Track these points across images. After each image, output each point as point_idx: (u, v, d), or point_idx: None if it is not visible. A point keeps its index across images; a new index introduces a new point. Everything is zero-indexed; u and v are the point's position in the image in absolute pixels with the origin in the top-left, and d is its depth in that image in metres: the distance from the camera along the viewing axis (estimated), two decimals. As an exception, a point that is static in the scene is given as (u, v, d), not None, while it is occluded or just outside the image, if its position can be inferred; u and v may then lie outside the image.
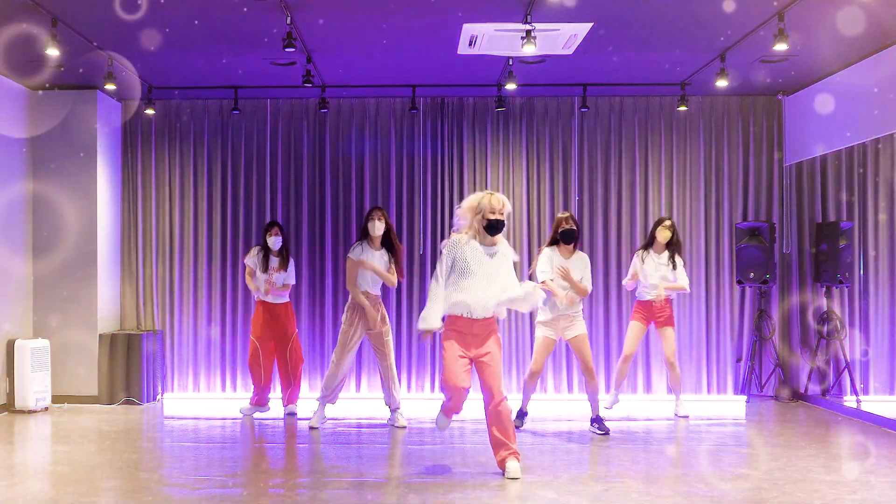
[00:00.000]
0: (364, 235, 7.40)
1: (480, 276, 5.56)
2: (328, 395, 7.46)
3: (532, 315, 8.34)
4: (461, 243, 5.60)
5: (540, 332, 7.20)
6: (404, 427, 7.40)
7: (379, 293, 7.53)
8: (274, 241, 8.07)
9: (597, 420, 7.26)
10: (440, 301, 5.60)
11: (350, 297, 7.40)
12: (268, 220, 9.08)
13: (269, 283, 8.03)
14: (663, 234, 7.87)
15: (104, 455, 6.35)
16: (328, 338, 9.13)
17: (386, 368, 7.43)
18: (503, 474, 5.60)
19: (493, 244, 5.65)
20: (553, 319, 7.12)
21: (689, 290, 8.07)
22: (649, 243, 7.99)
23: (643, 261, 7.92)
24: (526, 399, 7.47)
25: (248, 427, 7.67)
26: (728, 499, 5.08)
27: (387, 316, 7.52)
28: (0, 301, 8.11)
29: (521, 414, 7.44)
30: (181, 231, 9.25)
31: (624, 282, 8.25)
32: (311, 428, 7.42)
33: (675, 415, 8.03)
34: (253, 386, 8.22)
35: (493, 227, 5.57)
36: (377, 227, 7.32)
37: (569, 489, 5.30)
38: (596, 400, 7.27)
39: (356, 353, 7.64)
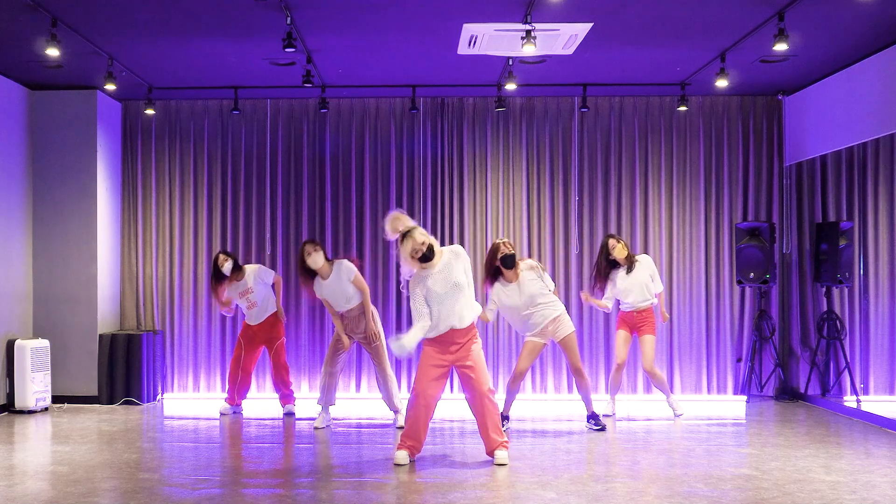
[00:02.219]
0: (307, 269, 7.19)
1: (445, 294, 5.86)
2: (326, 398, 7.48)
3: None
4: (419, 278, 5.92)
5: (532, 338, 7.18)
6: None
7: (353, 308, 7.26)
8: (227, 268, 7.93)
9: (592, 416, 7.30)
10: (422, 331, 5.89)
11: None
12: (268, 220, 9.15)
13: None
14: (619, 252, 7.77)
15: (104, 455, 6.35)
16: (328, 338, 9.12)
17: (382, 372, 7.43)
18: (493, 461, 5.99)
19: (434, 265, 5.93)
20: (542, 330, 7.10)
21: (660, 289, 8.00)
22: (613, 264, 7.84)
23: (614, 281, 7.82)
24: (509, 402, 7.33)
25: (248, 427, 7.67)
26: (728, 499, 5.08)
27: (379, 320, 7.51)
28: (0, 301, 8.11)
29: (504, 417, 7.19)
30: (181, 231, 9.24)
31: (604, 301, 7.94)
32: (316, 428, 7.45)
33: (675, 415, 8.02)
34: (229, 385, 8.22)
35: (424, 259, 5.87)
36: (317, 261, 7.13)
37: (569, 489, 5.30)
38: (589, 397, 7.31)
39: (348, 354, 7.62)
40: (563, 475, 5.70)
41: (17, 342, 8.16)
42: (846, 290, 8.49)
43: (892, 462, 6.09)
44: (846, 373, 8.31)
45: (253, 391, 9.04)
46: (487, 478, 5.62)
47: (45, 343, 8.36)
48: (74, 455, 6.33)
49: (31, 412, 8.15)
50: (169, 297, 9.22)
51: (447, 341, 5.93)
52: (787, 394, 8.87)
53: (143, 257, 9.23)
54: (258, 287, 8.01)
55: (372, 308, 7.40)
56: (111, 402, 8.63)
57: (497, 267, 6.97)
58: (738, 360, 9.06)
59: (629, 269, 7.79)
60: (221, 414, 8.17)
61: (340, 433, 7.30)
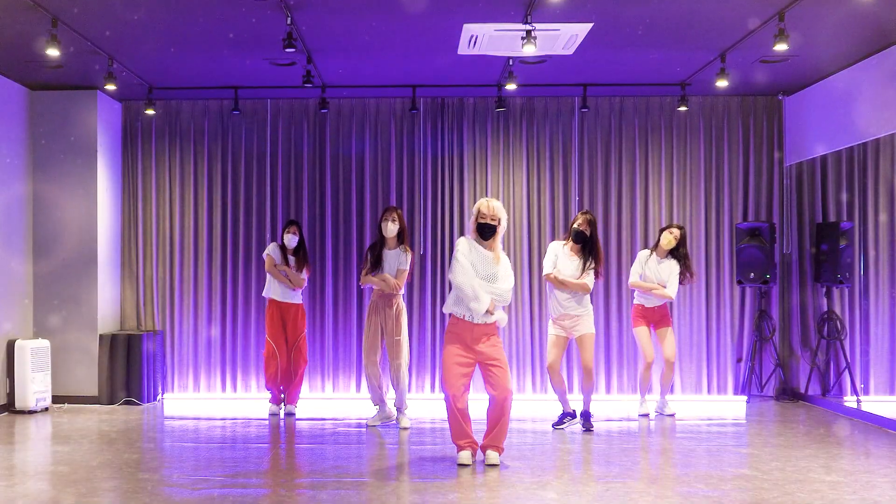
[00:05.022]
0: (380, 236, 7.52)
1: (481, 277, 5.93)
2: (374, 397, 7.56)
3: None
4: (465, 245, 5.99)
5: (550, 330, 7.38)
6: (407, 428, 7.40)
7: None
8: (290, 239, 8.13)
9: (584, 415, 7.28)
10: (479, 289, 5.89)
11: (370, 299, 7.59)
12: (268, 219, 9.15)
13: (287, 271, 8.10)
14: (666, 240, 7.89)
15: (104, 455, 6.35)
16: (328, 337, 9.13)
17: (395, 368, 7.43)
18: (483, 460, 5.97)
19: (491, 249, 6.02)
20: (559, 317, 7.28)
21: (672, 298, 7.97)
22: (654, 245, 8.06)
23: (645, 263, 7.94)
24: (562, 401, 7.40)
25: (248, 427, 7.67)
26: (728, 499, 5.09)
27: (404, 318, 7.51)
28: (0, 301, 8.11)
29: (567, 414, 7.39)
30: (181, 231, 9.24)
31: (631, 282, 8.08)
32: (368, 426, 7.51)
33: (659, 413, 8.02)
34: (271, 385, 8.16)
35: (482, 230, 5.95)
36: (390, 229, 7.40)
37: (569, 489, 5.30)
38: (590, 398, 7.35)
39: (381, 351, 7.53)
40: (563, 475, 5.70)
41: (17, 342, 8.16)
42: (846, 290, 8.48)
43: (892, 462, 6.09)
44: (846, 373, 8.31)
45: (253, 391, 9.07)
46: (488, 478, 5.62)
47: (45, 343, 8.36)
48: (74, 455, 6.33)
49: (31, 412, 8.15)
50: (169, 297, 9.22)
51: (464, 334, 5.91)
52: (788, 394, 8.86)
53: (143, 257, 9.23)
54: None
55: (402, 304, 7.51)
56: (111, 402, 8.63)
57: (575, 231, 7.31)
58: (739, 360, 9.05)
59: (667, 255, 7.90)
60: (271, 415, 8.14)
61: (340, 433, 7.31)
